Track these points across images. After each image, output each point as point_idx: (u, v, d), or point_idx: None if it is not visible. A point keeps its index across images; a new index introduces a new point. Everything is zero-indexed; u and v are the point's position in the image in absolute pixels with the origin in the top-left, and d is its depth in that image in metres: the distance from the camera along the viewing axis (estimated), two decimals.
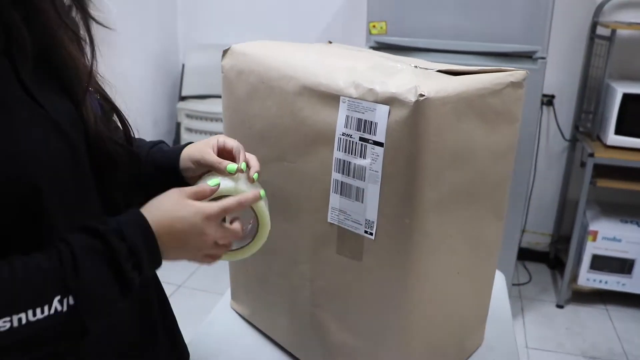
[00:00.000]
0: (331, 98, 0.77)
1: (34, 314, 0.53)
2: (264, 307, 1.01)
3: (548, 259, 2.88)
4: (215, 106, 2.78)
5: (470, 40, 2.09)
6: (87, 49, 0.65)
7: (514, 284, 2.68)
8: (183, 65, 2.95)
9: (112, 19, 0.66)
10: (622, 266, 2.44)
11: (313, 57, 0.85)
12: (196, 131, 2.88)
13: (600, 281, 2.49)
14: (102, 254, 0.57)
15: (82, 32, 0.64)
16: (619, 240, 2.42)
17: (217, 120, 2.79)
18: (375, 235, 0.77)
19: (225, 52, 0.95)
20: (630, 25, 2.30)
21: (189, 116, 2.87)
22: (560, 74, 2.57)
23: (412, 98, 0.68)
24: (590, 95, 2.56)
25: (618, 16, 2.47)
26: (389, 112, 0.70)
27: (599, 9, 2.45)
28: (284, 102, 0.84)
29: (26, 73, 0.59)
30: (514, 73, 0.83)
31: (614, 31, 2.25)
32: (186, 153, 0.80)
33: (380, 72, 0.75)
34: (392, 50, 1.90)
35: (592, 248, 2.45)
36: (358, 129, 0.74)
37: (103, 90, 0.72)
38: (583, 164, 2.49)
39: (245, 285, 1.07)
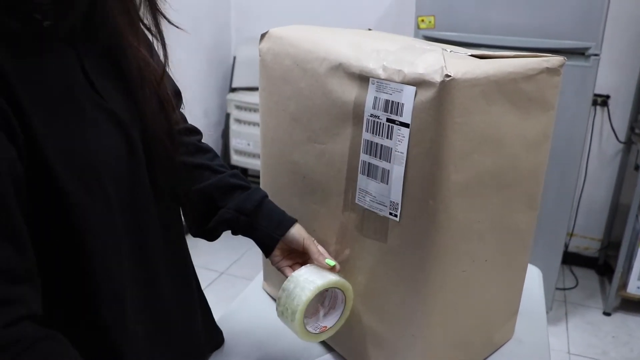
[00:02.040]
0: (361, 79, 0.78)
1: None
2: None
3: (597, 265, 2.78)
4: None
5: (520, 37, 2.05)
6: (159, 49, 0.68)
7: (559, 288, 2.60)
8: (234, 58, 3.02)
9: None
10: None
11: (346, 40, 0.86)
12: (245, 122, 2.94)
13: None
14: None
15: (153, 29, 0.66)
16: None
17: None
18: (399, 217, 0.77)
19: (263, 35, 0.97)
20: None
21: (238, 107, 2.94)
22: (616, 73, 2.48)
23: (438, 78, 0.68)
24: None
25: None
26: (415, 93, 0.71)
27: None
28: (315, 83, 0.85)
29: (91, 66, 0.61)
30: (550, 59, 0.82)
31: None
32: (296, 228, 0.87)
33: (410, 53, 0.76)
34: None
35: None
36: (385, 110, 0.75)
37: (174, 91, 0.77)
38: (637, 167, 2.39)
39: None
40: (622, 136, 2.56)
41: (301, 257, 0.87)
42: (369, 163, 0.79)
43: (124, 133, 0.64)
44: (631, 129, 2.53)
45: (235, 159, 3.03)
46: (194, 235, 0.88)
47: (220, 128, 3.12)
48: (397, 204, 0.77)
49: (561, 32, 1.98)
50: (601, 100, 2.52)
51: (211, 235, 0.86)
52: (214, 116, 3.13)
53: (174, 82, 0.82)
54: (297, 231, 0.86)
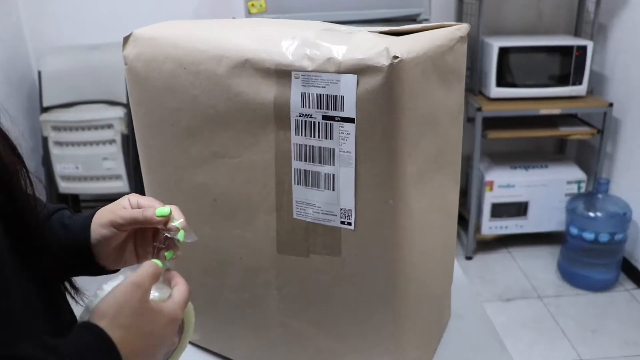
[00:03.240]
0: (279, 75, 0.66)
1: None
2: (219, 327, 0.88)
3: None
4: (86, 113, 2.49)
5: (354, 10, 2.05)
6: None
7: None
8: (39, 73, 2.60)
9: None
10: (519, 209, 2.59)
11: (242, 31, 0.72)
12: (67, 143, 2.57)
13: (501, 227, 2.62)
14: None
15: None
16: (513, 186, 2.55)
17: (90, 128, 2.50)
18: (354, 225, 0.67)
19: (126, 39, 0.79)
20: None
21: (56, 128, 2.55)
22: None
23: (385, 62, 0.59)
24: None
25: None
26: (357, 82, 0.61)
27: None
28: (215, 87, 0.71)
29: None
30: (461, 27, 0.78)
31: None
32: (95, 223, 0.66)
33: (332, 38, 0.65)
34: None
35: (490, 197, 2.56)
36: (319, 107, 0.64)
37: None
38: (470, 119, 2.58)
39: None
40: None
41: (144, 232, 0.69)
42: (305, 170, 0.68)
43: None
44: None
45: (64, 186, 2.64)
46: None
47: (39, 155, 2.69)
48: (350, 210, 0.67)
49: (392, 2, 2.02)
50: None
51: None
52: (27, 143, 2.68)
53: None
54: (99, 215, 0.66)
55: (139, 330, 0.52)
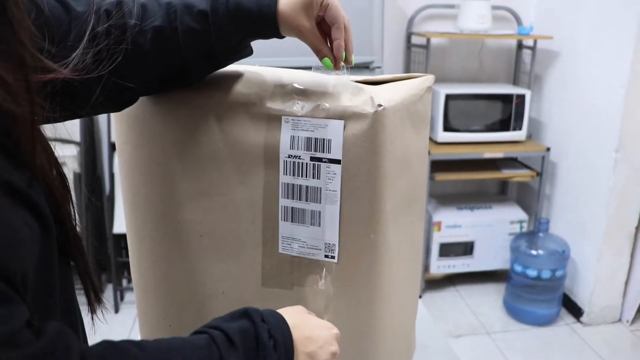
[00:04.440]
0: (269, 118, 0.71)
1: None
2: None
3: None
4: None
5: (310, 56, 2.14)
6: None
7: None
8: None
9: None
10: (465, 249, 2.71)
11: (231, 76, 0.78)
12: None
13: (449, 266, 2.72)
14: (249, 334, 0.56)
15: None
16: (460, 226, 2.67)
17: None
18: (337, 258, 0.73)
19: None
20: (442, 34, 2.57)
21: None
22: None
23: (371, 109, 0.65)
24: None
25: (426, 27, 2.75)
26: (345, 127, 0.67)
27: (410, 22, 2.69)
28: (205, 128, 0.75)
29: None
30: (427, 78, 0.86)
31: (428, 40, 2.50)
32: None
33: (319, 86, 0.72)
34: None
35: (438, 237, 2.67)
36: (308, 149, 0.70)
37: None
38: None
39: None
40: None
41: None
42: (292, 207, 0.73)
43: None
44: None
45: None
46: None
47: None
48: (334, 244, 0.72)
49: None
50: None
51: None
52: None
53: None
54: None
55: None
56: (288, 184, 0.72)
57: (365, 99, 0.66)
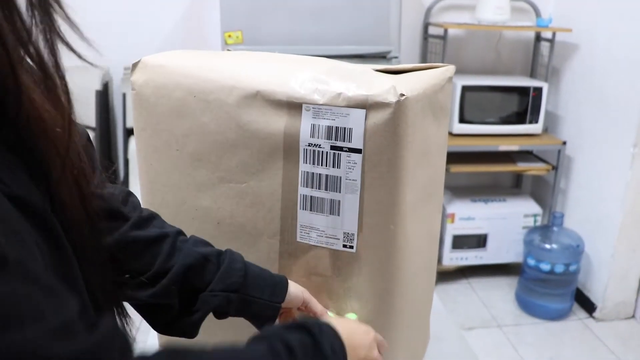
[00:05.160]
0: (290, 106, 0.70)
1: None
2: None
3: None
4: None
5: (327, 45, 2.13)
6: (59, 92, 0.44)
7: None
8: None
9: None
10: (478, 241, 2.69)
11: (251, 64, 0.77)
12: None
13: (462, 258, 2.71)
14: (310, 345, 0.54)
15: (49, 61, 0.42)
16: (473, 219, 2.66)
17: None
18: (355, 248, 0.72)
19: (135, 65, 0.82)
20: (459, 25, 2.54)
21: None
22: None
23: (393, 99, 0.65)
24: None
25: (445, 17, 2.72)
26: (366, 116, 0.66)
27: (428, 12, 2.67)
28: (225, 115, 0.75)
29: None
30: (449, 68, 0.85)
31: (446, 30, 2.47)
32: (295, 287, 0.72)
33: (340, 75, 0.71)
34: None
35: (452, 229, 2.66)
36: (328, 137, 0.69)
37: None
38: None
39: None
40: None
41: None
42: (311, 196, 0.72)
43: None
44: None
45: None
46: (167, 333, 0.68)
47: None
48: (353, 234, 0.72)
49: (363, 38, 2.11)
50: None
51: (193, 329, 0.68)
52: None
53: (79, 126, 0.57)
54: (294, 289, 0.72)
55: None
56: (308, 172, 0.72)
57: (387, 88, 0.65)
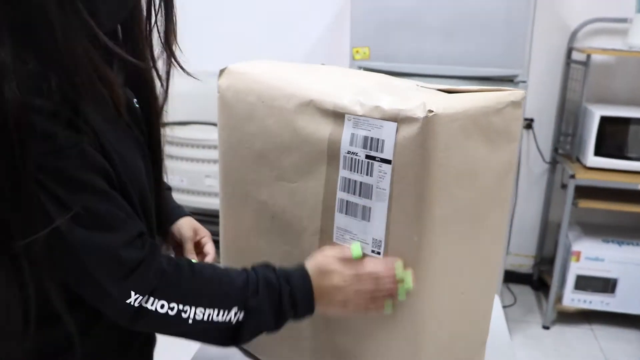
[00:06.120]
0: (335, 116, 0.76)
1: (217, 315, 0.68)
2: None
3: (532, 281, 2.89)
4: (197, 132, 2.76)
5: (453, 65, 2.13)
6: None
7: None
8: None
9: None
10: (606, 286, 2.47)
11: (314, 76, 0.84)
12: (177, 158, 2.85)
13: (585, 301, 2.50)
14: (273, 288, 0.72)
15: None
16: (602, 260, 2.44)
17: (198, 147, 2.76)
18: (382, 254, 0.75)
19: (222, 71, 0.94)
20: (604, 50, 2.37)
21: (170, 143, 2.84)
22: (538, 98, 2.63)
23: (421, 114, 0.67)
24: (568, 118, 2.62)
25: (591, 42, 2.54)
26: (397, 129, 0.70)
27: (573, 35, 2.52)
28: (284, 120, 0.83)
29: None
30: (514, 92, 0.84)
31: (589, 56, 2.32)
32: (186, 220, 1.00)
33: (385, 89, 0.75)
34: None
35: (575, 268, 2.47)
36: (364, 147, 0.73)
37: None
38: (564, 186, 2.53)
39: None
40: (547, 156, 2.70)
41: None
42: (347, 201, 0.77)
43: (142, 154, 0.77)
44: (555, 149, 2.68)
45: None
46: None
47: None
48: (380, 241, 0.75)
49: (491, 60, 2.07)
50: (526, 124, 2.65)
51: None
52: None
53: None
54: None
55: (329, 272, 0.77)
56: (346, 178, 0.76)
57: (417, 104, 0.68)
